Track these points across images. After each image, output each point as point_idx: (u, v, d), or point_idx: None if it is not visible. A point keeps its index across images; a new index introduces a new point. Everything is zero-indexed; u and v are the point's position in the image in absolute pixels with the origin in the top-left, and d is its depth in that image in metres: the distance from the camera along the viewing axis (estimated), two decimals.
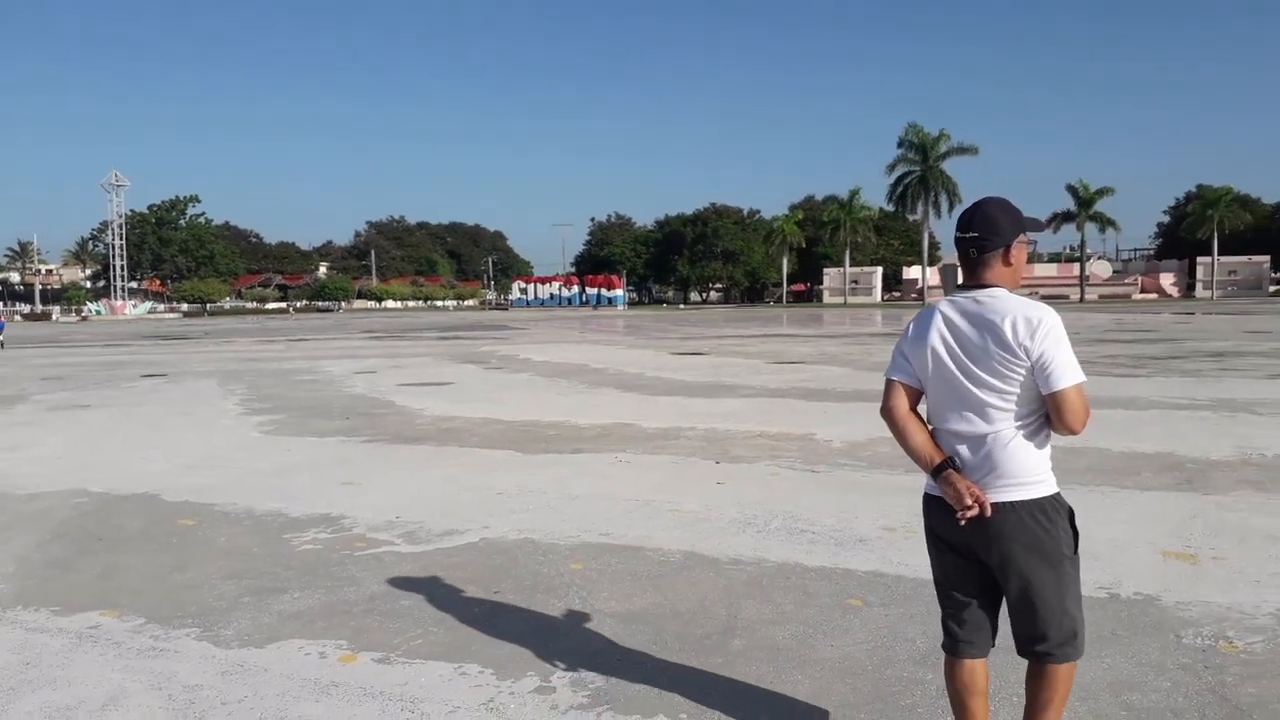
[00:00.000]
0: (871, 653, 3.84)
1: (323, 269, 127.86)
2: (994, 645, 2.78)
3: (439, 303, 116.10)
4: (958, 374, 2.60)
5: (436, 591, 4.74)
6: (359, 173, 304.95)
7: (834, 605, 4.40)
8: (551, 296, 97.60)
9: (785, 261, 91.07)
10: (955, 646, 2.75)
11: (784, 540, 5.54)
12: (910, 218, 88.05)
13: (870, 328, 36.81)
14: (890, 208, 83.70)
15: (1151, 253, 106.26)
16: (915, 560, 5.05)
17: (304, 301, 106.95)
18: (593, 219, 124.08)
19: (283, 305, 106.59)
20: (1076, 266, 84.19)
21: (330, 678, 3.71)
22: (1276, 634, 3.88)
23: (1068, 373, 2.51)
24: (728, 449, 8.76)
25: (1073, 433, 2.58)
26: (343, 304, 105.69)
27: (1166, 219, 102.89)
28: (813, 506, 6.38)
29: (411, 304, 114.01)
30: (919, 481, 7.00)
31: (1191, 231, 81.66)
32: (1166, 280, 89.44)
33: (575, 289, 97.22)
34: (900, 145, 76.80)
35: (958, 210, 77.50)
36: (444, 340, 32.47)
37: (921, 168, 75.72)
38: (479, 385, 15.76)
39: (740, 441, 9.18)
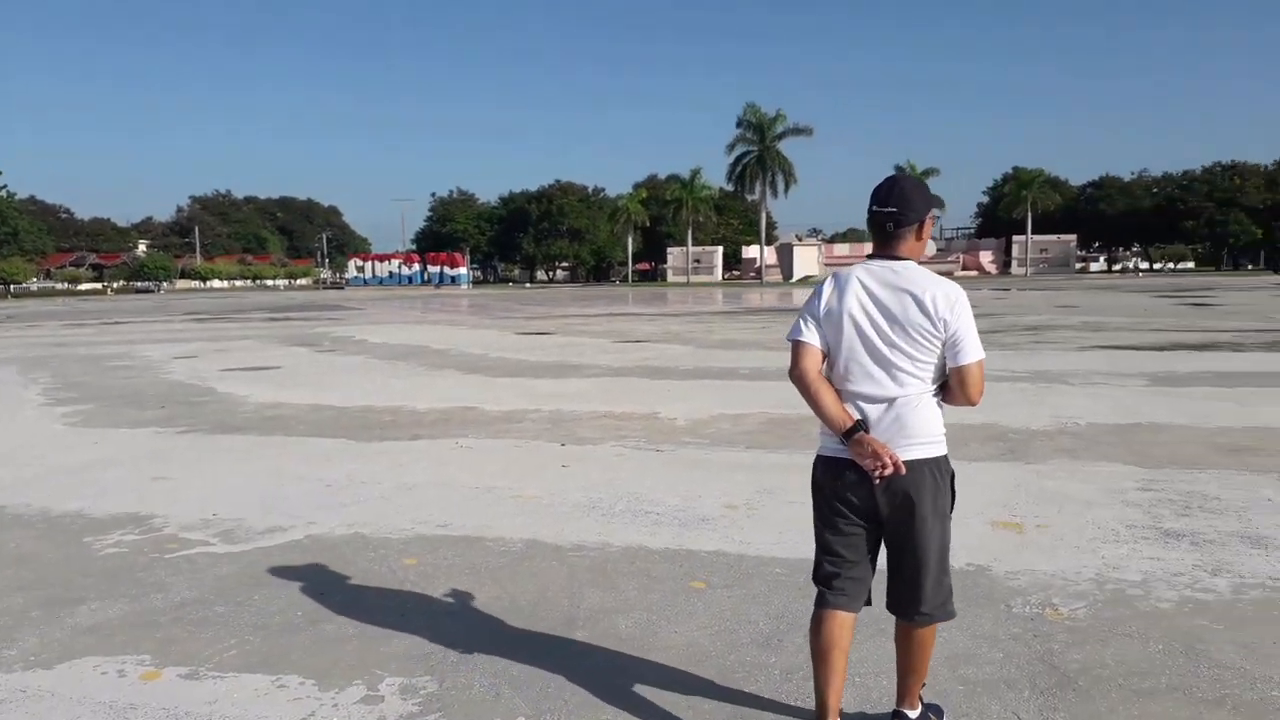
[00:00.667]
0: (715, 637, 3.76)
1: (142, 247, 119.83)
2: (868, 604, 2.88)
3: (269, 282, 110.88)
4: (876, 339, 2.69)
5: (255, 595, 4.37)
6: (181, 145, 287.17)
7: (678, 589, 4.31)
8: (391, 275, 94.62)
9: (630, 240, 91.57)
10: (834, 599, 2.80)
11: (628, 523, 5.43)
12: (749, 198, 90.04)
13: (712, 306, 37.44)
14: (730, 187, 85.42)
15: (972, 232, 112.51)
16: (757, 537, 5.04)
17: (122, 282, 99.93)
18: (434, 194, 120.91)
19: (98, 286, 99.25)
20: None
21: (129, 699, 3.33)
22: (1096, 599, 4.04)
23: (975, 348, 2.69)
24: (573, 430, 8.60)
25: (972, 404, 2.76)
26: (164, 284, 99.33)
27: (985, 199, 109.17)
28: (657, 487, 6.31)
29: (239, 283, 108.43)
30: (761, 459, 7.06)
31: (1008, 211, 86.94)
32: (985, 258, 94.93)
33: (416, 267, 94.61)
34: (739, 125, 78.30)
35: (794, 190, 79.60)
36: (274, 322, 30.93)
37: (759, 148, 77.42)
38: (309, 369, 15.02)
39: (586, 422, 9.04)
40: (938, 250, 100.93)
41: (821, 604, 2.82)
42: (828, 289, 2.79)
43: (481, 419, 9.44)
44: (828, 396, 2.72)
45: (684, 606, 4.10)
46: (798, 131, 78.03)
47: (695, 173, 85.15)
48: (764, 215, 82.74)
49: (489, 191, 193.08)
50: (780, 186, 78.45)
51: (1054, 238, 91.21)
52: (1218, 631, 3.66)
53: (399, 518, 5.67)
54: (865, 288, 2.72)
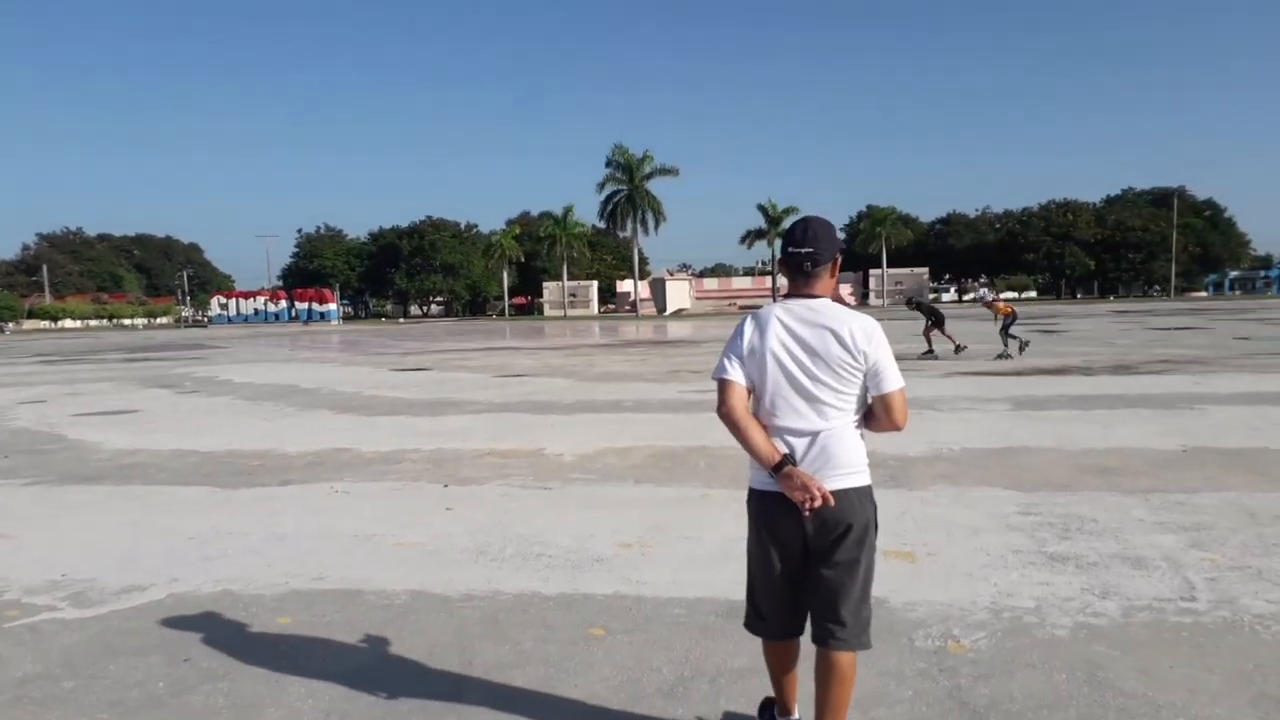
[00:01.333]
0: (618, 689, 3.60)
1: None
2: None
3: (127, 321, 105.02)
4: (799, 375, 2.79)
5: (110, 666, 3.96)
6: (24, 178, 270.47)
7: (576, 637, 4.13)
8: (256, 312, 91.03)
9: (505, 275, 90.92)
10: (780, 631, 2.96)
11: (519, 567, 5.21)
12: (621, 234, 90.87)
13: (590, 339, 37.37)
14: (603, 224, 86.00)
15: None
16: (654, 577, 4.91)
17: None
18: (300, 231, 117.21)
19: None
20: (768, 279, 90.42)
21: None
22: (995, 629, 4.06)
23: (896, 377, 2.82)
24: (456, 470, 8.30)
25: (897, 429, 2.88)
26: (9, 324, 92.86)
27: (843, 235, 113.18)
28: (547, 527, 6.11)
29: (94, 323, 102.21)
30: (651, 494, 6.94)
31: (864, 246, 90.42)
32: (845, 290, 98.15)
33: (283, 304, 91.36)
34: (608, 164, 78.92)
35: (664, 228, 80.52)
36: (132, 362, 29.17)
37: (629, 187, 78.22)
38: (170, 413, 14.15)
39: (469, 461, 8.75)
40: None
41: (761, 632, 2.98)
42: (749, 329, 2.85)
43: (357, 461, 9.02)
44: (756, 433, 2.79)
45: (583, 657, 3.92)
46: (664, 171, 79.23)
47: (568, 210, 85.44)
48: (635, 251, 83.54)
49: (358, 228, 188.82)
50: (650, 224, 79.42)
51: (907, 270, 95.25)
52: (1115, 658, 3.72)
53: (271, 571, 5.30)
54: (785, 326, 2.81)
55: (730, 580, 4.79)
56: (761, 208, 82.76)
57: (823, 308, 2.82)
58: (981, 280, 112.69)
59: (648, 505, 6.66)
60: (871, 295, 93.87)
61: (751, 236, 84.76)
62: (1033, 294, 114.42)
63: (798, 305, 2.84)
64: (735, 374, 2.85)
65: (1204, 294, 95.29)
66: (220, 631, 4.34)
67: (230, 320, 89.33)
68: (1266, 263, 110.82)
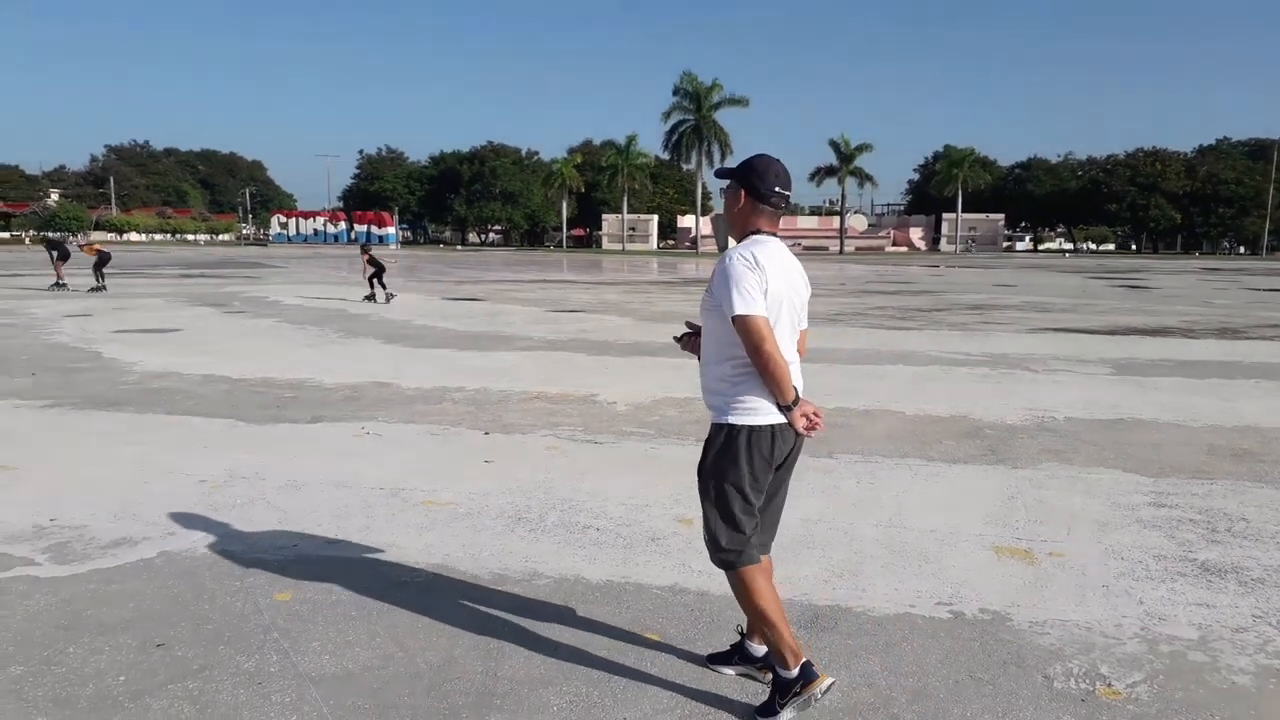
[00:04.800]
0: None
1: (54, 196, 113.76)
2: None
3: (190, 237, 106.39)
4: (797, 310, 2.94)
5: (70, 648, 3.31)
6: (96, 91, 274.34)
7: (626, 645, 3.37)
8: (315, 233, 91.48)
9: (565, 205, 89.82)
10: (760, 553, 2.99)
11: (562, 542, 4.47)
12: (685, 167, 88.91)
13: (649, 275, 36.47)
14: (666, 156, 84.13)
15: (902, 208, 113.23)
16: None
17: (33, 232, 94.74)
18: (361, 151, 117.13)
19: (5, 235, 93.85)
20: (835, 219, 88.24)
21: None
22: (1154, 669, 3.21)
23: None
24: (500, 415, 7.58)
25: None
26: (77, 235, 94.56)
27: (916, 177, 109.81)
28: (596, 490, 5.35)
29: (158, 237, 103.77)
30: None
31: (940, 189, 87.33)
32: (915, 234, 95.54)
33: (342, 225, 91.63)
34: (675, 93, 76.80)
35: (730, 160, 79.05)
36: (185, 279, 29.05)
37: (696, 117, 76.15)
38: (212, 333, 13.67)
39: (515, 405, 8.02)
40: (869, 226, 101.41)
41: (752, 560, 2.93)
42: (766, 261, 2.80)
43: (395, 398, 8.35)
44: (786, 369, 2.77)
45: (636, 671, 3.17)
46: (734, 102, 76.88)
47: (631, 139, 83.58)
48: (699, 185, 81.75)
49: (419, 151, 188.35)
50: (716, 156, 77.32)
51: (983, 216, 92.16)
52: None
53: (280, 529, 4.62)
54: (784, 263, 2.88)
55: (814, 577, 3.99)
56: (834, 143, 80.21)
57: (789, 248, 2.98)
58: (1059, 230, 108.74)
59: None
60: (943, 240, 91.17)
61: (821, 174, 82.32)
62: (1110, 246, 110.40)
63: (781, 244, 2.92)
64: (764, 309, 2.76)
65: None
66: (207, 608, 3.66)
67: (290, 240, 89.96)
68: None
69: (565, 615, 3.61)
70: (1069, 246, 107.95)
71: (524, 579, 3.98)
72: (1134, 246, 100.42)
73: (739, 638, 3.20)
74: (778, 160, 2.93)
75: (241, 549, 4.33)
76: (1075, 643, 3.39)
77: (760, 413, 2.82)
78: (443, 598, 3.78)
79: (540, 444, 6.58)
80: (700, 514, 2.99)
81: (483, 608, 3.68)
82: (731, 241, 2.97)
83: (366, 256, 20.77)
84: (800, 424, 2.83)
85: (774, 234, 2.93)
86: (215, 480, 5.52)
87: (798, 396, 2.82)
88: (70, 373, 9.72)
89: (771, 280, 2.79)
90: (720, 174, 3.03)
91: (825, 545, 4.43)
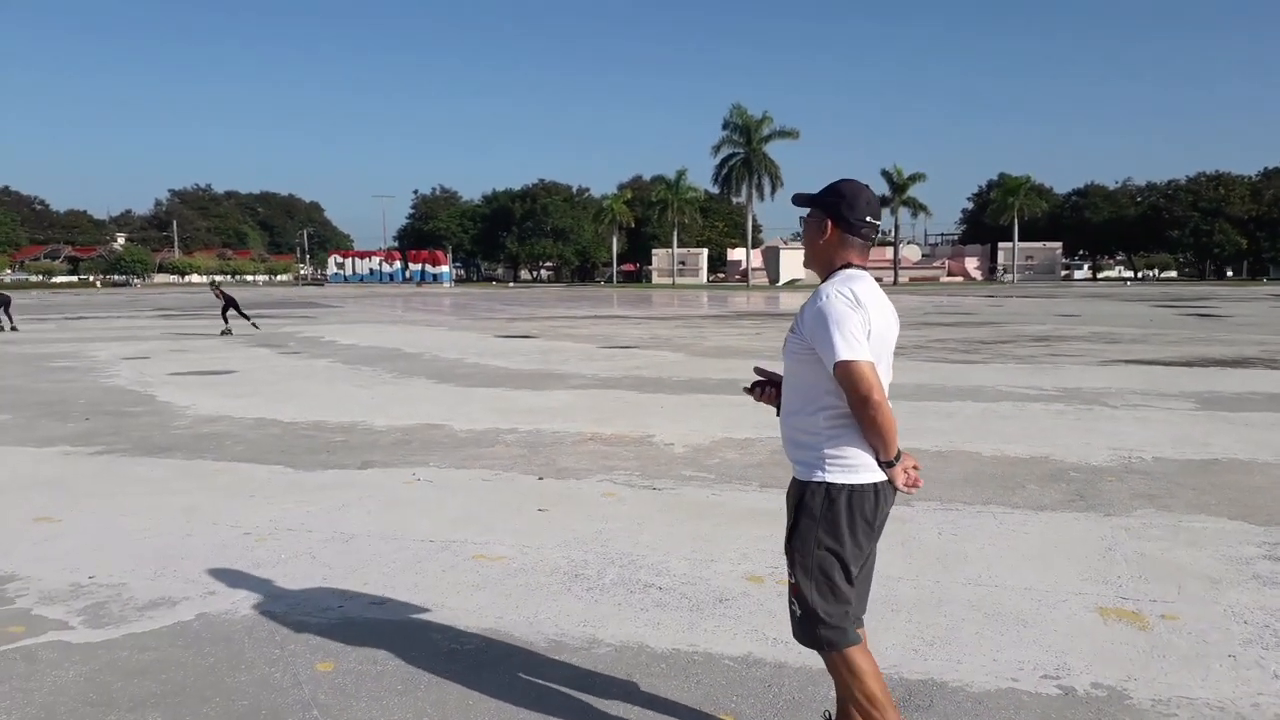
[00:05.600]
0: None
1: (120, 240, 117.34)
2: None
3: (249, 277, 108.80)
4: (888, 355, 2.61)
5: None
6: (162, 137, 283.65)
7: None
8: (372, 272, 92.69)
9: (615, 241, 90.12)
10: (856, 631, 2.64)
11: (622, 602, 4.15)
12: (735, 200, 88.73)
13: (700, 309, 36.20)
14: (715, 189, 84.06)
15: (956, 238, 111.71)
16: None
17: (100, 275, 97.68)
18: (416, 192, 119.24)
19: (74, 278, 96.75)
20: (888, 250, 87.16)
21: None
22: None
23: None
24: (553, 459, 7.31)
25: None
26: (141, 278, 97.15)
27: (970, 205, 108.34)
28: (656, 543, 5.03)
29: (219, 279, 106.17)
30: (777, 502, 5.76)
31: (995, 217, 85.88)
32: (970, 264, 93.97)
33: (397, 264, 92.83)
34: (725, 127, 76.82)
35: (780, 193, 78.31)
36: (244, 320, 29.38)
37: (745, 150, 76.05)
38: (266, 375, 13.65)
39: (568, 448, 7.75)
40: (923, 256, 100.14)
41: (855, 639, 2.62)
42: (867, 299, 2.49)
43: (447, 441, 8.13)
44: (895, 419, 2.49)
45: None
46: (784, 134, 76.67)
47: (681, 174, 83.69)
48: (750, 218, 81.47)
49: (472, 190, 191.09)
50: (766, 189, 77.13)
51: (1040, 245, 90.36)
52: None
53: (325, 587, 4.38)
54: (881, 301, 2.56)
55: (901, 646, 3.62)
56: (886, 174, 79.36)
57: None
58: (1118, 257, 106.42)
59: (778, 520, 5.46)
60: (999, 270, 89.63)
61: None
62: (1172, 274, 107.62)
63: (873, 279, 2.60)
64: (870, 354, 2.45)
65: None
66: (244, 680, 3.40)
67: (346, 279, 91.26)
68: None
69: (629, 691, 3.29)
70: (1129, 274, 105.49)
71: (582, 646, 3.67)
72: (1199, 274, 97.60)
73: None
74: (866, 186, 2.64)
75: (284, 610, 4.09)
76: None
77: (862, 469, 2.52)
78: (495, 669, 3.48)
79: (596, 490, 6.28)
80: (787, 586, 2.65)
81: (539, 680, 3.38)
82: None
83: (217, 292, 22.98)
84: (901, 480, 2.53)
85: (864, 268, 2.62)
86: (260, 532, 5.31)
87: (899, 450, 2.53)
88: (124, 416, 9.68)
89: (874, 320, 2.49)
90: (800, 201, 2.71)
91: (911, 608, 4.05)
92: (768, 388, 2.85)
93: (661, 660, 3.54)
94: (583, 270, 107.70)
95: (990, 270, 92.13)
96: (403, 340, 20.08)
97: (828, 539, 2.52)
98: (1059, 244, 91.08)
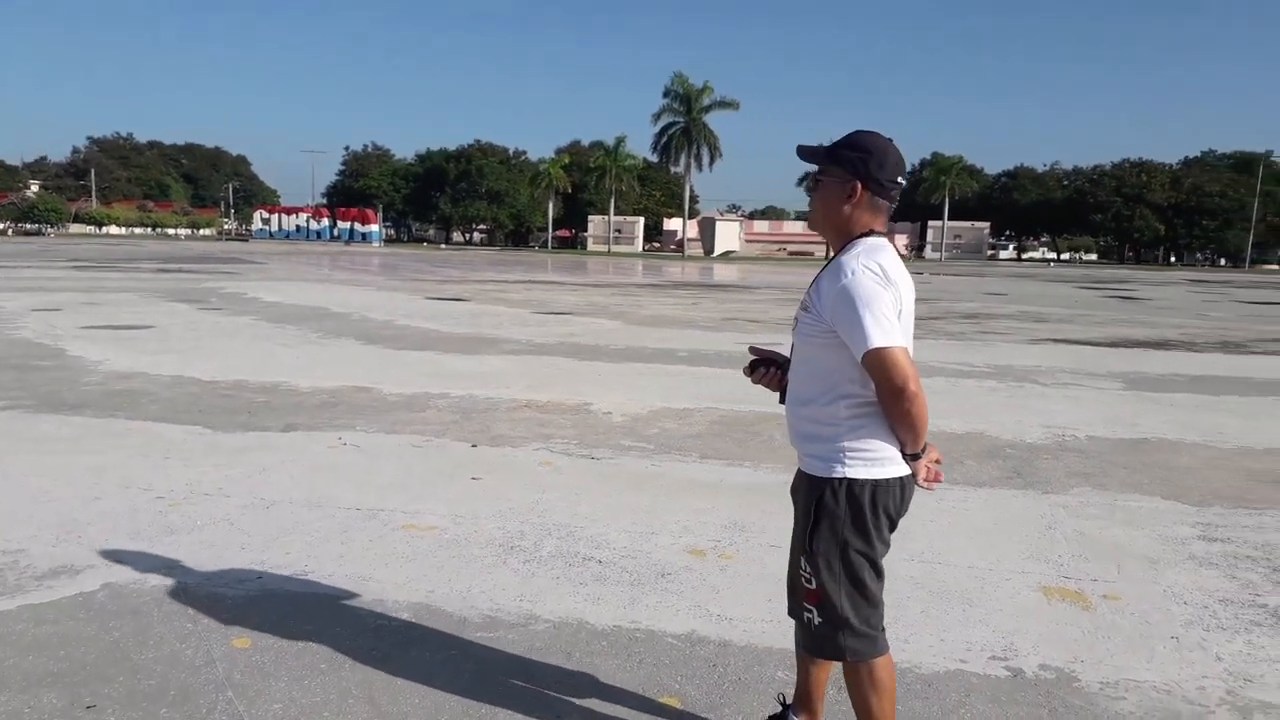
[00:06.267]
0: None
1: (34, 187, 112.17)
2: None
3: (171, 231, 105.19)
4: (911, 333, 2.33)
5: None
6: (80, 83, 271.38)
7: (638, 715, 2.90)
8: (298, 229, 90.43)
9: (551, 206, 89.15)
10: (885, 639, 2.41)
11: (560, 575, 3.99)
12: (673, 169, 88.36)
13: (636, 278, 36.01)
14: (654, 158, 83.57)
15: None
16: (739, 608, 3.65)
17: (9, 223, 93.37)
18: (347, 148, 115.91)
19: None
20: None
21: None
22: None
23: None
24: (488, 425, 7.09)
25: None
26: (55, 228, 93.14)
27: (904, 183, 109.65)
28: (596, 514, 4.88)
29: (138, 231, 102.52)
30: (721, 475, 5.66)
31: (927, 195, 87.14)
32: (900, 241, 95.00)
33: (325, 222, 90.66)
34: (666, 95, 76.18)
35: (719, 164, 78.40)
36: (162, 273, 28.34)
37: (685, 119, 75.61)
38: (185, 331, 13.09)
39: (503, 414, 7.53)
40: None
41: (886, 647, 2.40)
42: (896, 278, 2.23)
43: (376, 404, 7.85)
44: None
45: None
46: (724, 104, 76.36)
47: (620, 141, 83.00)
48: (688, 188, 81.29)
49: (405, 148, 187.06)
50: (705, 159, 76.96)
51: (968, 224, 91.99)
52: None
53: (243, 556, 4.13)
54: (906, 275, 2.29)
55: None
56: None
57: None
58: (1043, 239, 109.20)
59: (718, 492, 5.40)
60: (928, 248, 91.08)
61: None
62: (1093, 256, 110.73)
63: (894, 250, 2.29)
64: (903, 337, 2.22)
65: (1276, 267, 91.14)
66: (151, 657, 3.16)
67: (272, 235, 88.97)
68: None
69: (567, 671, 3.13)
70: (1053, 256, 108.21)
71: (519, 622, 3.50)
72: (1119, 257, 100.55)
73: (780, 708, 2.72)
74: (890, 139, 2.33)
75: (198, 581, 3.83)
76: (1157, 710, 2.94)
77: (887, 463, 2.27)
78: (427, 646, 3.29)
79: (532, 459, 6.09)
80: (803, 593, 2.39)
81: (473, 660, 3.20)
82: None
83: None
84: (923, 475, 2.31)
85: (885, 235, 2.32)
86: (174, 495, 5.01)
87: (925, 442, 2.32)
88: (30, 371, 9.16)
89: (904, 297, 2.25)
90: (812, 156, 2.38)
91: None
92: (772, 369, 2.57)
93: (602, 638, 3.39)
94: (517, 234, 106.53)
95: (919, 248, 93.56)
96: (329, 299, 19.51)
97: (856, 539, 2.28)
98: (987, 224, 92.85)
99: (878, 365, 2.16)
